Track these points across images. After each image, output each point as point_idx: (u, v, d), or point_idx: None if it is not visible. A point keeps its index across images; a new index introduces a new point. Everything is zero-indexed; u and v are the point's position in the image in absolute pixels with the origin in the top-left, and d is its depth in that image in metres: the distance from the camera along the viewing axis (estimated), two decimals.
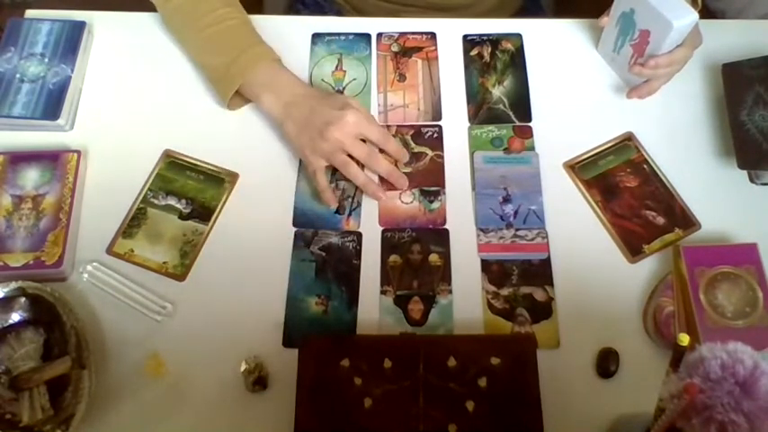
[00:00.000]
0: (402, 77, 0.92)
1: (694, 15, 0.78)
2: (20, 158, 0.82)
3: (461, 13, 1.07)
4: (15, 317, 0.71)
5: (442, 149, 0.86)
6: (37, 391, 0.67)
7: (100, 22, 0.94)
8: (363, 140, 0.80)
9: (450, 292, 0.77)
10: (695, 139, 0.87)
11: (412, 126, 0.88)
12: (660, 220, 0.81)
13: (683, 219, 0.81)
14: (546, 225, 0.81)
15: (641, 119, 0.88)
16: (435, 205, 0.82)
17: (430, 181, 0.84)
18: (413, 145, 0.86)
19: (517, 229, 0.80)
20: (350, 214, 0.82)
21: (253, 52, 0.84)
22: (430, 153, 0.86)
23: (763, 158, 0.79)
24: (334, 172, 0.84)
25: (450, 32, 0.95)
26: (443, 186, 0.84)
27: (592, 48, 0.94)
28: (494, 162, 0.85)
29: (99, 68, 0.91)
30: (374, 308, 0.76)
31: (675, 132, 0.87)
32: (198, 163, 0.84)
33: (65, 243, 0.76)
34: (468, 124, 0.88)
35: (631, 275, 0.78)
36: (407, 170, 0.85)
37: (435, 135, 0.87)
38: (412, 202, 0.83)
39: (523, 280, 0.77)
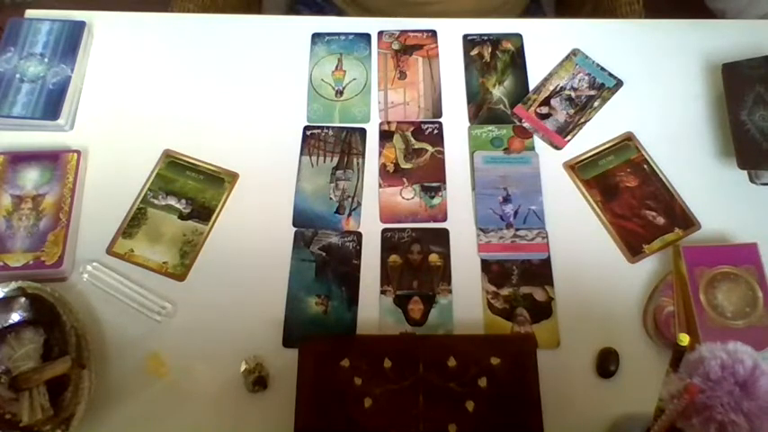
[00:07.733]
0: (403, 75, 0.92)
1: None
2: (20, 158, 0.82)
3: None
4: (15, 317, 0.71)
5: (442, 145, 0.86)
6: (37, 391, 0.67)
7: (100, 22, 0.94)
8: None
9: (450, 291, 0.77)
10: (695, 139, 0.87)
11: (412, 123, 0.88)
12: (660, 220, 0.81)
13: (683, 219, 0.81)
14: (546, 225, 0.80)
15: (641, 119, 0.88)
16: (436, 201, 0.82)
17: (430, 177, 0.84)
18: (413, 141, 0.87)
19: (517, 229, 0.80)
20: (350, 214, 0.82)
21: None
22: (430, 149, 0.86)
23: (763, 158, 0.79)
24: (333, 171, 0.84)
25: (451, 32, 0.95)
26: (444, 182, 0.84)
27: (592, 48, 0.93)
28: (494, 162, 0.85)
29: (99, 68, 0.91)
30: (374, 308, 0.76)
31: (675, 132, 0.87)
32: (198, 163, 0.84)
33: (65, 243, 0.76)
34: (469, 124, 0.88)
35: (631, 275, 0.78)
36: (408, 166, 0.85)
37: (435, 131, 0.87)
38: (413, 198, 0.83)
39: (523, 280, 0.77)
